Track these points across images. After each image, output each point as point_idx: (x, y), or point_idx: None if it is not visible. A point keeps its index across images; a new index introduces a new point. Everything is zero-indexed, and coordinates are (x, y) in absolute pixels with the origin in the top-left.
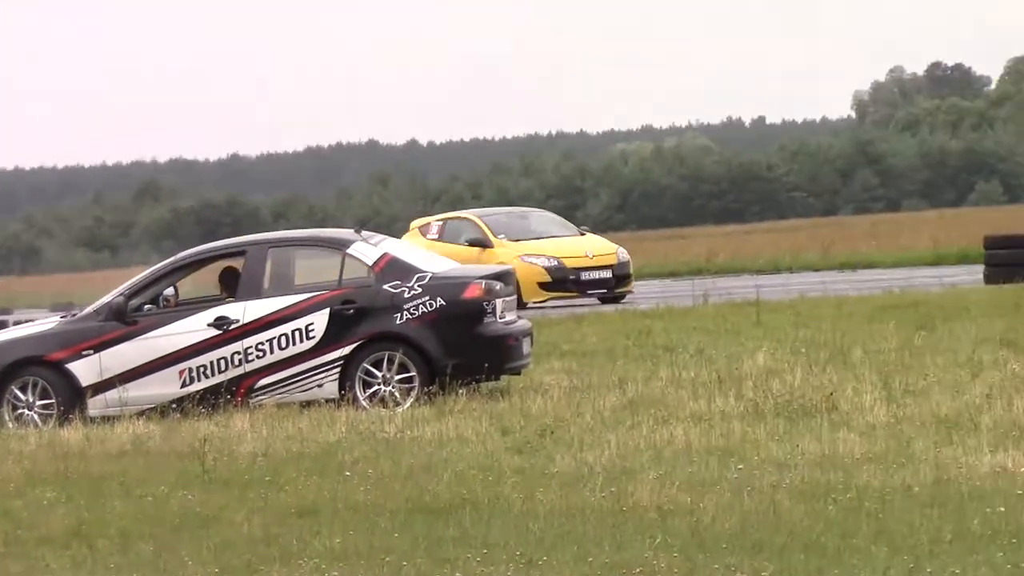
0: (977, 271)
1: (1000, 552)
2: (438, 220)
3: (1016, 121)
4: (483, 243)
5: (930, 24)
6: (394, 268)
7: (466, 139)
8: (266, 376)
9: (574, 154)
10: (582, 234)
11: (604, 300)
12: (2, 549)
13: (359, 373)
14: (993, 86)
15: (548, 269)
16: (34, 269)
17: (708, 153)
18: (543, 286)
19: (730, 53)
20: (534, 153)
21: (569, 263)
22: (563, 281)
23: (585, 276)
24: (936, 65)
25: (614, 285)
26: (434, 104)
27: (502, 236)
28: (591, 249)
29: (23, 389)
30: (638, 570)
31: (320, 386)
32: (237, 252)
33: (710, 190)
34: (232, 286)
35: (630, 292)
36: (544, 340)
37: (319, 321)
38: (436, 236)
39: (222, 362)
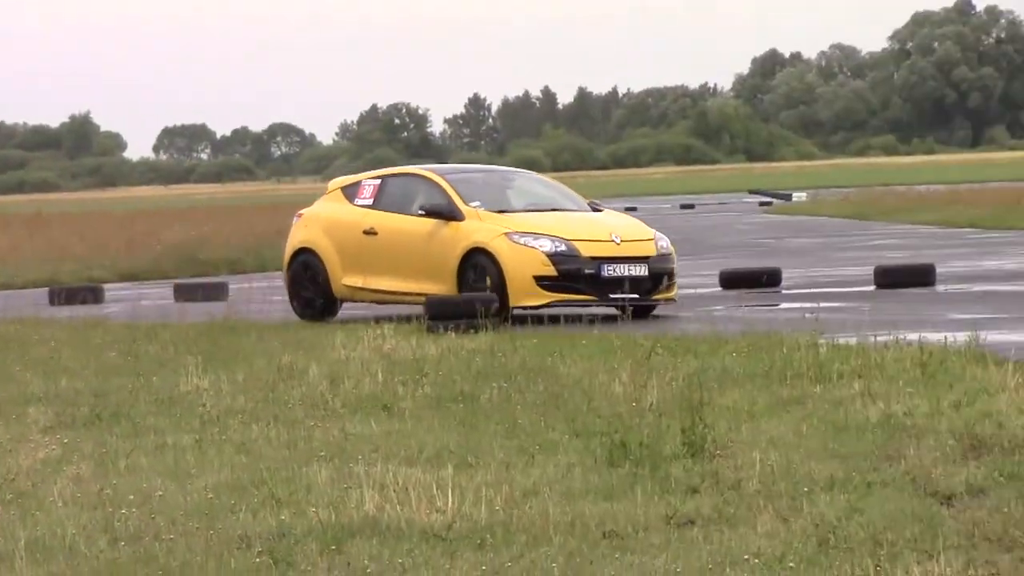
0: None
1: None
2: (372, 179)
3: None
4: (446, 212)
5: None
6: None
7: None
8: None
9: None
10: (597, 210)
11: (632, 311)
12: None
13: None
14: None
15: (553, 257)
16: None
17: None
18: (543, 282)
19: None
20: None
21: (585, 249)
22: (575, 277)
23: (608, 272)
24: None
25: (649, 289)
26: None
27: (476, 204)
28: (617, 231)
29: None
30: None
31: None
32: None
33: None
34: None
35: (672, 300)
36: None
37: None
38: (369, 201)
39: None
